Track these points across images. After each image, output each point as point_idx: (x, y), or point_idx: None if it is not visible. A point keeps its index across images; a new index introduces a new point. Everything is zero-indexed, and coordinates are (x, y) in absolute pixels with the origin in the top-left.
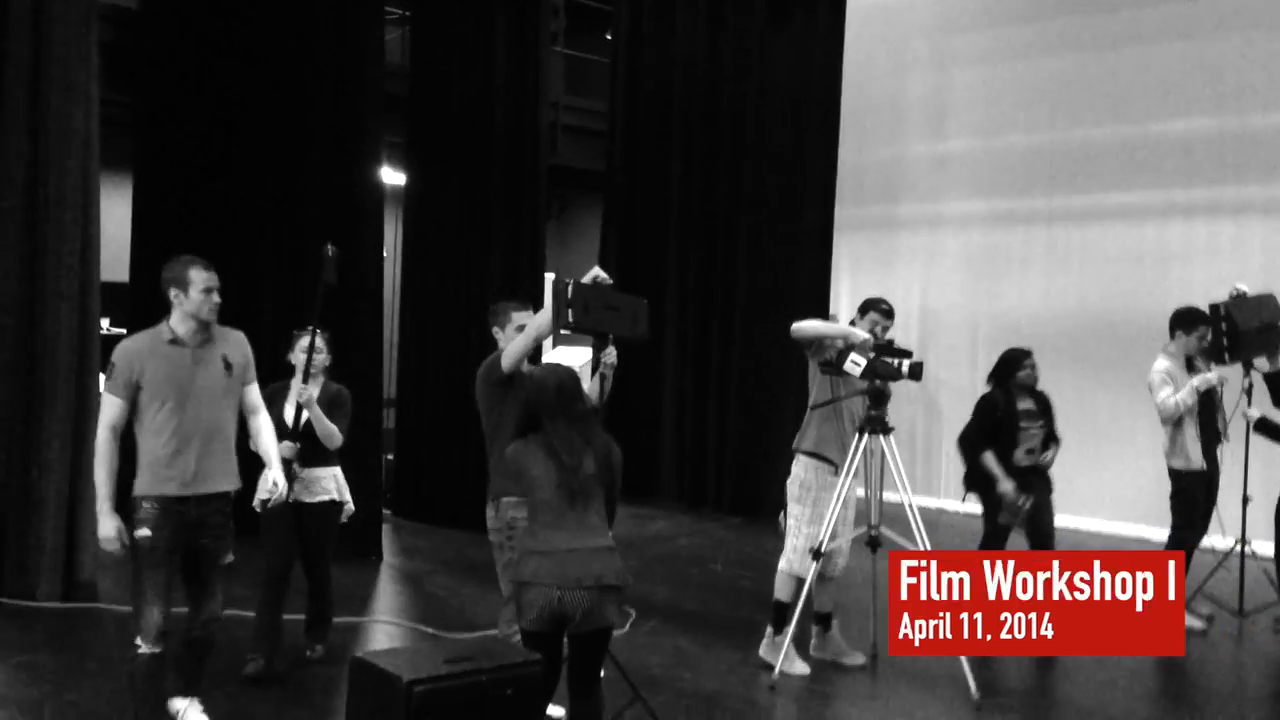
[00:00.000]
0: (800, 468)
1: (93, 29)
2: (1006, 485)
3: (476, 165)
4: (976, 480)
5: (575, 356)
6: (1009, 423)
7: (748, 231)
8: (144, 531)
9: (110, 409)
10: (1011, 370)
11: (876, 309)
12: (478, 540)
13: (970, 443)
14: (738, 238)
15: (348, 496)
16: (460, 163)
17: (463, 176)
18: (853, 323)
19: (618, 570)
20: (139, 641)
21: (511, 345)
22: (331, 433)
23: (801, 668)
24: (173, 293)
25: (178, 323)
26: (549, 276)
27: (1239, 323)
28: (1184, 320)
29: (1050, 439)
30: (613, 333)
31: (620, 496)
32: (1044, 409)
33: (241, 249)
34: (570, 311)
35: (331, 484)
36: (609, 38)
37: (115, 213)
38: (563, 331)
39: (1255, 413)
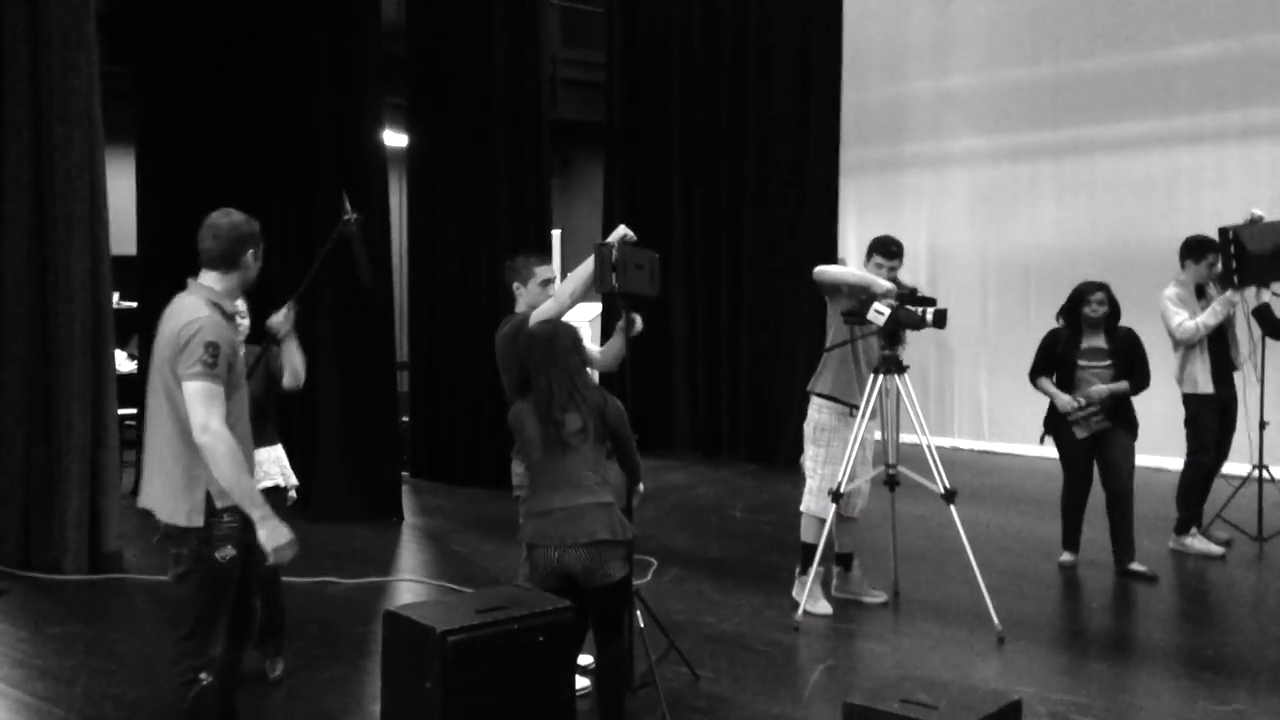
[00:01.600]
0: (815, 409)
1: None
2: (1063, 399)
3: (479, 123)
4: (1051, 423)
5: (585, 313)
6: (1067, 360)
7: (752, 178)
8: (229, 551)
9: (220, 401)
10: (1077, 306)
11: (884, 250)
12: (498, 497)
13: (1032, 379)
14: (743, 185)
15: (293, 479)
16: (462, 122)
17: (465, 135)
18: (866, 265)
19: (613, 524)
20: (202, 675)
21: (545, 307)
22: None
23: (824, 607)
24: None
25: (227, 294)
26: (555, 233)
27: (1248, 246)
28: (1192, 249)
29: (1123, 378)
30: (642, 292)
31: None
32: (1120, 348)
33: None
34: (615, 275)
35: (275, 468)
36: None
37: (118, 186)
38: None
39: (1254, 298)
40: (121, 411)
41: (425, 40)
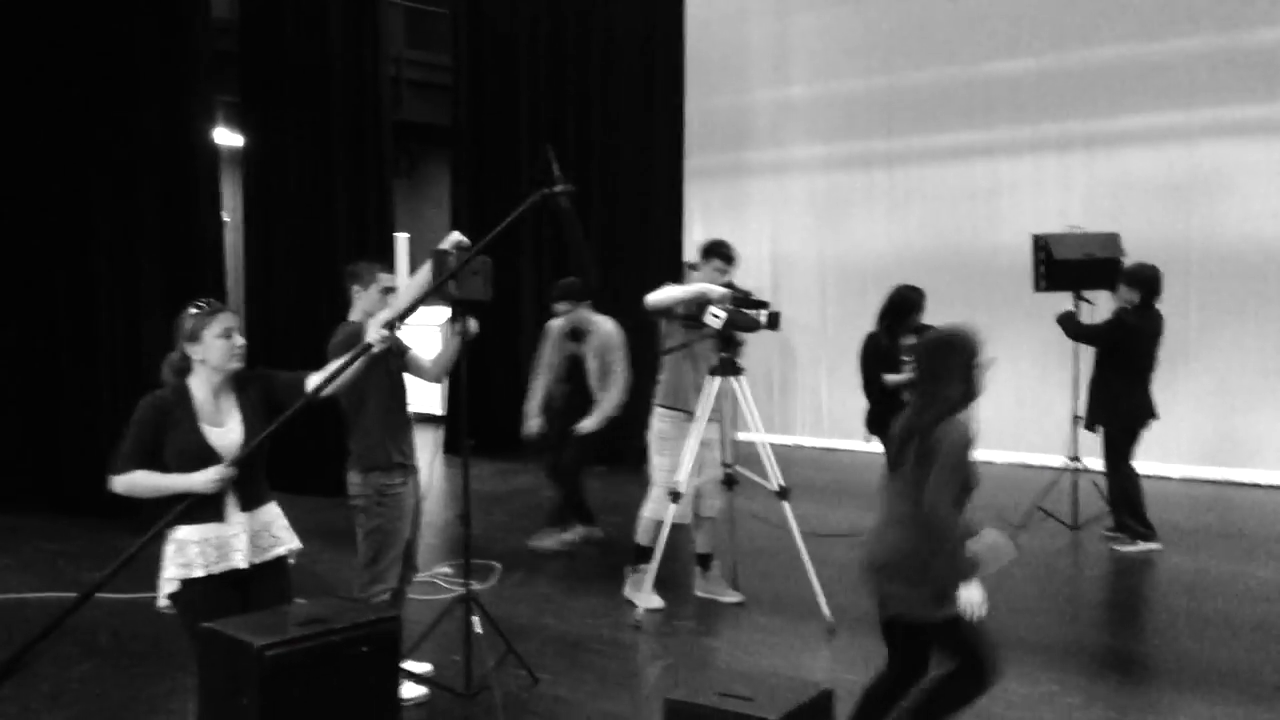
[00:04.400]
0: (658, 419)
1: None
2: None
3: (317, 123)
4: (874, 421)
5: (432, 318)
6: (891, 359)
7: (599, 183)
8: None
9: None
10: (908, 311)
11: (719, 254)
12: (338, 505)
13: (866, 381)
14: (589, 189)
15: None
16: (300, 121)
17: (304, 135)
18: (695, 266)
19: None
20: None
21: (380, 317)
22: None
23: (655, 602)
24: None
25: None
26: (400, 236)
27: (1056, 254)
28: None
29: None
30: (478, 298)
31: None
32: None
33: (72, 224)
34: (454, 282)
35: (282, 529)
36: None
37: None
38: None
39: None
40: None
41: (259, 36)
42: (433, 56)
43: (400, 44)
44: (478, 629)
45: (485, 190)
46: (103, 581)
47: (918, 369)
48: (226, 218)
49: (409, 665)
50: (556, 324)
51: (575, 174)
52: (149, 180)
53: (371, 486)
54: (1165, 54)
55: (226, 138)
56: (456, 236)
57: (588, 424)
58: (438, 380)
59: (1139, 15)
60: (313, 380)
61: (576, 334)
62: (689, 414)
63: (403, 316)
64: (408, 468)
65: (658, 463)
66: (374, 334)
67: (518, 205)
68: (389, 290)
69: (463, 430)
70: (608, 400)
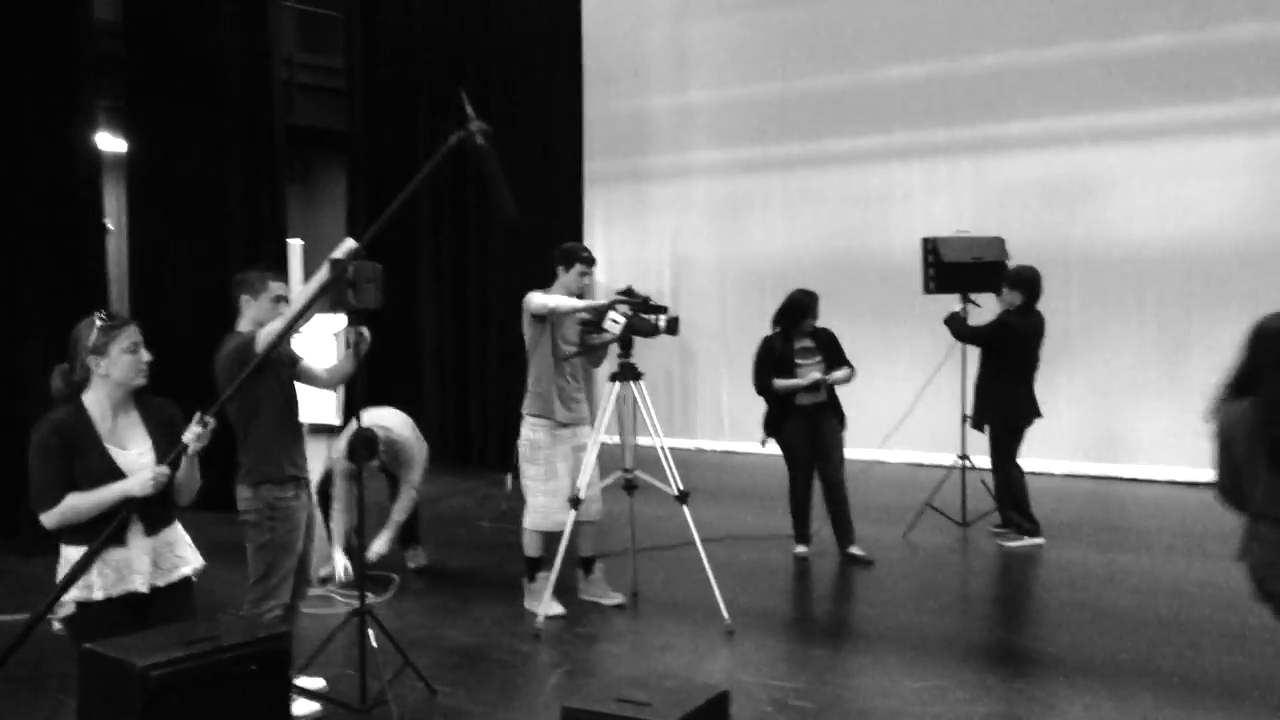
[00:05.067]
0: (528, 428)
1: None
2: (803, 380)
3: (206, 128)
4: (770, 424)
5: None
6: (786, 361)
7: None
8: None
9: None
10: (801, 314)
11: (581, 259)
12: (226, 521)
13: (758, 386)
14: (486, 202)
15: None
16: (188, 126)
17: (192, 141)
18: (566, 274)
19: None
20: None
21: (272, 327)
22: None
23: (556, 608)
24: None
25: None
26: (294, 243)
27: (944, 256)
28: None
29: (835, 369)
30: (372, 306)
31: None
32: (823, 346)
33: None
34: (353, 292)
35: (187, 548)
36: None
37: None
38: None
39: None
40: None
41: (145, 39)
42: (327, 60)
43: (293, 47)
44: (374, 643)
45: (382, 195)
46: (52, 602)
47: (1260, 364)
48: (110, 225)
49: (302, 681)
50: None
51: (475, 178)
52: (25, 188)
53: (263, 500)
54: (1047, 62)
55: (110, 143)
56: (351, 244)
57: (380, 544)
58: (332, 388)
59: (1023, 24)
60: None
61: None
62: (556, 422)
63: (292, 327)
64: (300, 480)
65: (530, 472)
66: (190, 434)
67: (416, 209)
68: (281, 299)
69: (373, 453)
70: (400, 509)
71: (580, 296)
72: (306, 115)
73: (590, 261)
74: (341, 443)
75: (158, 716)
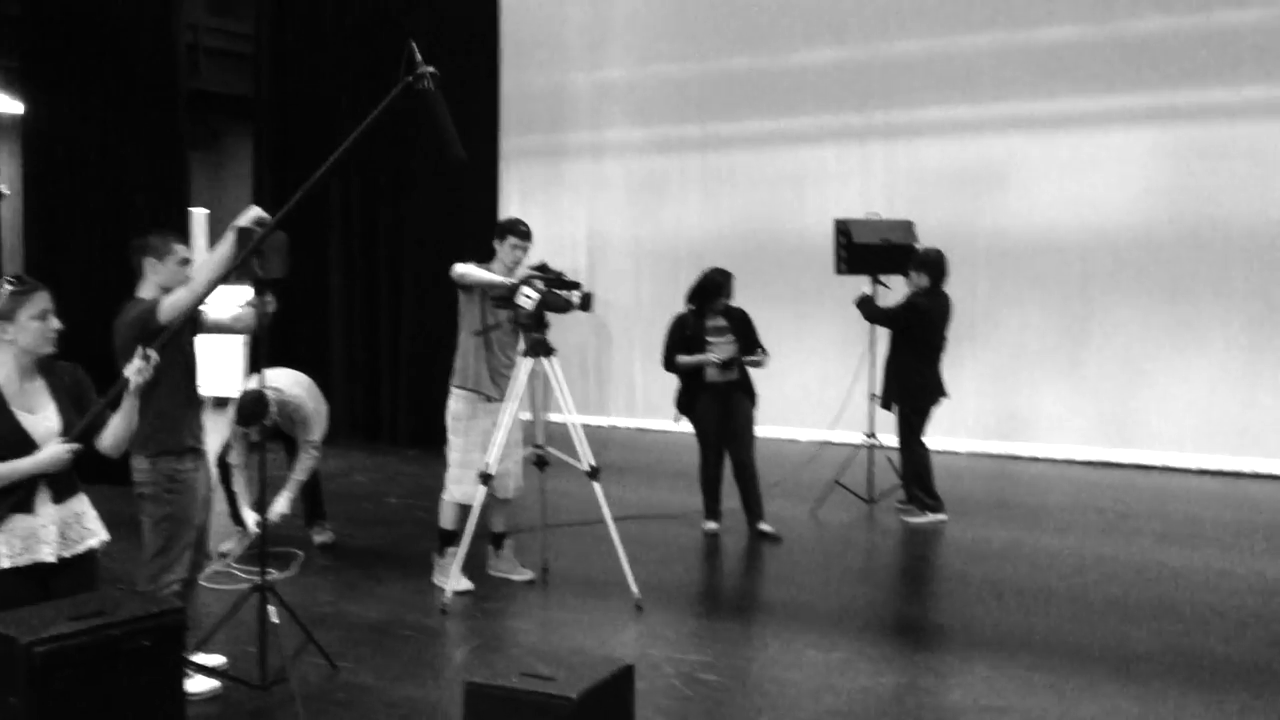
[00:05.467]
0: (453, 400)
1: None
2: (709, 355)
3: (107, 92)
4: (682, 402)
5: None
6: (697, 339)
7: (412, 161)
8: None
9: None
10: (714, 293)
11: (514, 232)
12: (125, 494)
13: (666, 362)
14: (402, 167)
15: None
16: (88, 89)
17: (93, 104)
18: (501, 245)
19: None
20: None
21: (179, 297)
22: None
23: (464, 584)
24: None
25: None
26: (198, 212)
27: (856, 238)
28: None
29: (749, 350)
30: (277, 276)
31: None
32: (736, 325)
33: None
34: (259, 261)
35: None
36: None
37: None
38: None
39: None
40: None
41: None
42: (234, 24)
43: (201, 11)
44: (275, 619)
45: (292, 164)
46: None
47: None
48: (5, 190)
49: (200, 658)
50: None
51: (387, 151)
52: None
53: (161, 472)
54: (958, 51)
55: (5, 104)
56: (257, 212)
57: (282, 503)
58: (240, 333)
59: (936, 13)
60: (104, 445)
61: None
62: (482, 395)
63: (200, 299)
64: (199, 451)
65: (453, 443)
66: (132, 368)
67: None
68: (186, 262)
69: (263, 414)
70: (300, 469)
71: (513, 271)
72: (214, 81)
73: (523, 235)
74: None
75: (44, 693)
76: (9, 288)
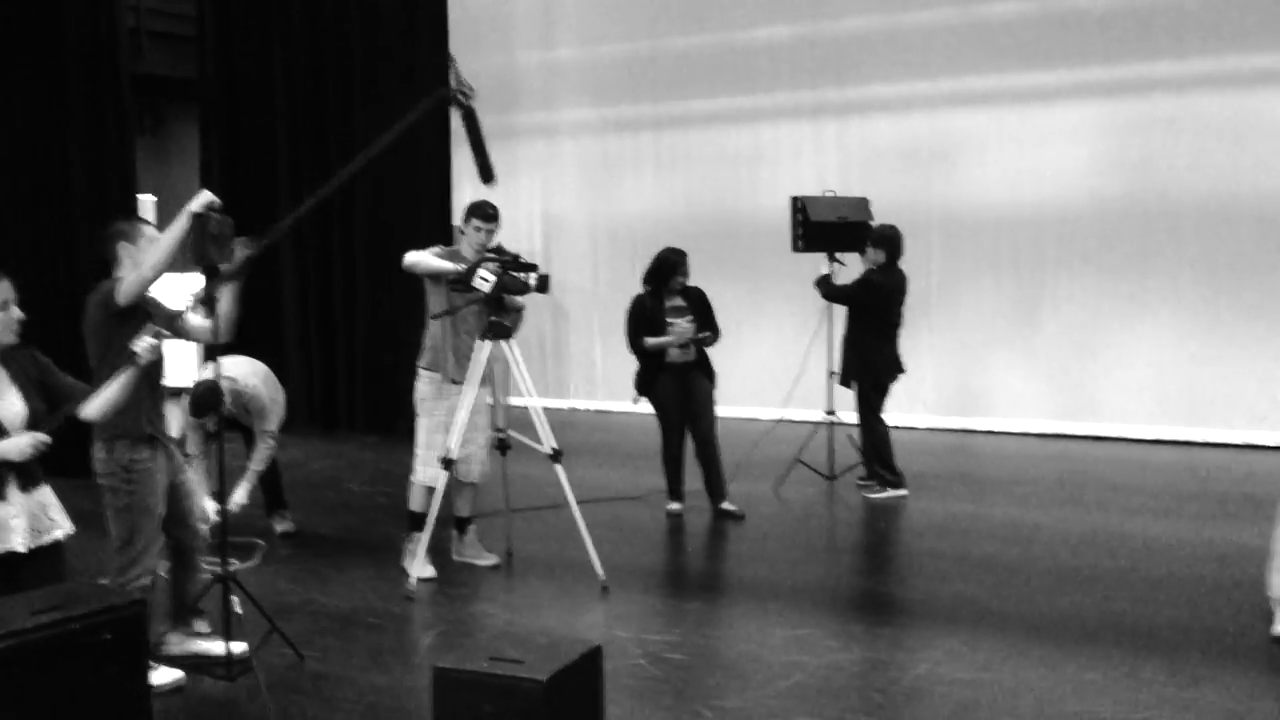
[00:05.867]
0: (422, 382)
1: None
2: (670, 337)
3: (46, 77)
4: (642, 383)
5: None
6: (657, 320)
7: (363, 143)
8: None
9: None
10: (669, 273)
11: (480, 214)
12: (82, 487)
13: (631, 344)
14: (352, 149)
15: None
16: (26, 75)
17: (32, 90)
18: (462, 231)
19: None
20: None
21: (133, 279)
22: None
23: (428, 570)
24: None
25: None
26: (145, 198)
27: (812, 216)
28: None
29: (705, 330)
30: (228, 263)
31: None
32: (694, 305)
33: None
34: (214, 247)
35: (58, 512)
36: None
37: None
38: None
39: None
40: None
41: None
42: (176, 6)
43: None
44: (239, 609)
45: (238, 147)
46: None
47: None
48: None
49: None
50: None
51: (338, 135)
52: None
53: (117, 462)
54: (907, 26)
55: None
56: (207, 196)
57: (240, 494)
58: (214, 340)
59: None
60: (88, 410)
61: None
62: (448, 378)
63: (151, 280)
64: (156, 440)
65: (420, 423)
66: (141, 344)
67: (275, 165)
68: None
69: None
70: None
71: (481, 250)
72: (155, 64)
73: (487, 216)
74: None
75: (4, 688)
76: None
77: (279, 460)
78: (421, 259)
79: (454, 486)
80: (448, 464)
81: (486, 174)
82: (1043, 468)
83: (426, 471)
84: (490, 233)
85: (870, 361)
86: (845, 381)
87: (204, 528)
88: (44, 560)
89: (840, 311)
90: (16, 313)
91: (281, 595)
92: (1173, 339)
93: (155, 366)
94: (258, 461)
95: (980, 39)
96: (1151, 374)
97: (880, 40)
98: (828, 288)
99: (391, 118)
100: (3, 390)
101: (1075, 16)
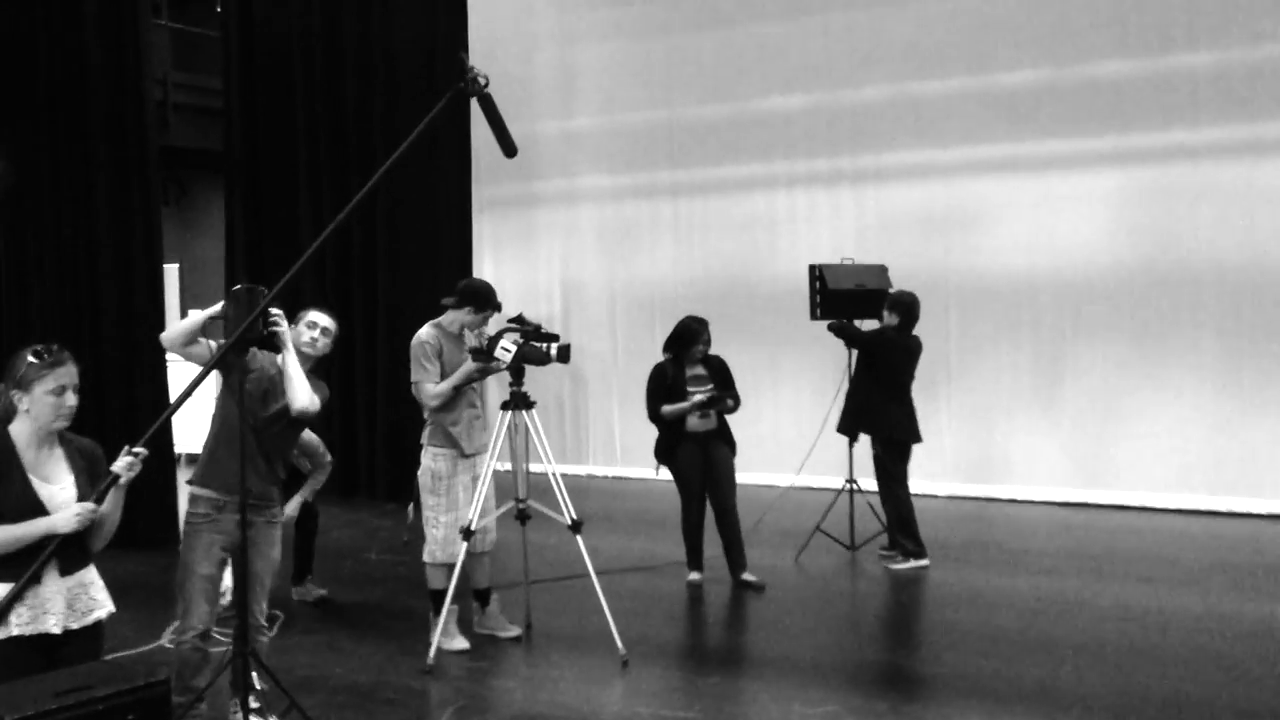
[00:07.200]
0: (429, 458)
1: None
2: (690, 403)
3: (75, 152)
4: (662, 451)
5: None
6: (677, 388)
7: (384, 212)
8: None
9: None
10: (689, 342)
11: (493, 305)
12: (134, 556)
13: (650, 413)
14: (374, 219)
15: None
16: (55, 150)
17: (60, 165)
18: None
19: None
20: None
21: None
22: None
23: (460, 643)
24: None
25: None
26: (169, 268)
27: (830, 283)
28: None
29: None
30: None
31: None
32: (715, 374)
33: None
34: (225, 324)
35: (100, 590)
36: (218, 9)
37: None
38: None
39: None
40: None
41: (9, 56)
42: (202, 79)
43: (168, 66)
44: (258, 684)
45: (264, 217)
46: None
47: None
48: None
49: None
50: None
51: (360, 203)
52: None
53: (191, 509)
54: (925, 95)
55: None
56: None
57: (291, 507)
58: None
59: (901, 59)
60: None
61: None
62: (462, 453)
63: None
64: (221, 505)
65: (430, 503)
66: (120, 464)
67: (297, 234)
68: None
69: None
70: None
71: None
72: (181, 136)
73: (499, 309)
74: None
75: None
76: (31, 357)
77: (318, 523)
78: (440, 388)
79: (469, 558)
80: (467, 534)
81: (509, 149)
82: (1064, 537)
83: (447, 549)
84: (481, 320)
85: (880, 417)
86: (845, 431)
87: (223, 600)
88: (82, 640)
89: None
90: (71, 399)
91: (301, 668)
92: (1194, 407)
93: (229, 423)
94: (318, 482)
95: (997, 107)
96: (1173, 443)
97: (898, 109)
98: (848, 329)
99: (412, 185)
100: (58, 473)
101: (1091, 85)
